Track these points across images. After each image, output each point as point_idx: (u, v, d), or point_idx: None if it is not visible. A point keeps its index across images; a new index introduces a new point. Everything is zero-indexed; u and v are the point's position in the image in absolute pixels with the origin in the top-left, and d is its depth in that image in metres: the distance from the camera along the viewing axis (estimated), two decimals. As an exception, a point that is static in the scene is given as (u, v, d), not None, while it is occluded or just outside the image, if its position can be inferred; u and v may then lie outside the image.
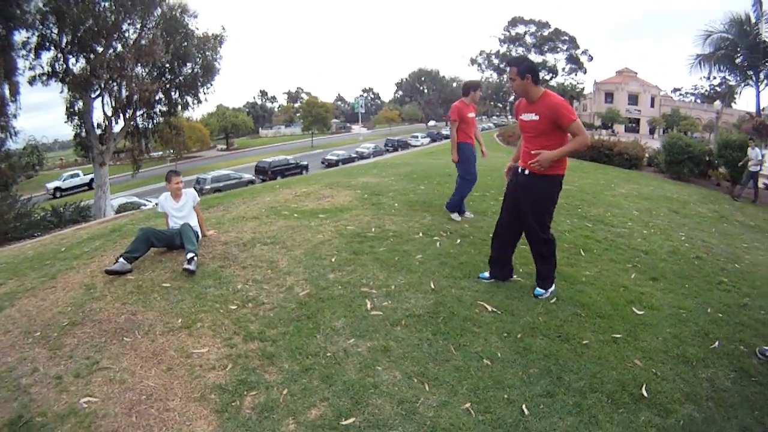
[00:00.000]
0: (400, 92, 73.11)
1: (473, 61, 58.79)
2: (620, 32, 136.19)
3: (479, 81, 5.56)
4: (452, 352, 2.51)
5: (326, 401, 2.15)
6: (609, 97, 53.46)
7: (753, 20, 15.16)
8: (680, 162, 11.87)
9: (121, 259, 3.62)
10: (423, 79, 68.30)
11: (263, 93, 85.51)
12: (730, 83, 16.38)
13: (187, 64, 15.99)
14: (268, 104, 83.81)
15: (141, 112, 16.51)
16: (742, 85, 16.30)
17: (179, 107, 17.22)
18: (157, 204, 4.35)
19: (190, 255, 3.64)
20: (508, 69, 3.08)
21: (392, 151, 34.93)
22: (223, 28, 16.89)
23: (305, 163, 26.58)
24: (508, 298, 3.09)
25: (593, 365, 2.39)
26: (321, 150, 41.69)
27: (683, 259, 4.24)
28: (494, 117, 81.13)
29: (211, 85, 17.14)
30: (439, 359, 2.45)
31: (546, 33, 51.96)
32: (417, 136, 43.41)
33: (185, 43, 15.29)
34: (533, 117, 2.91)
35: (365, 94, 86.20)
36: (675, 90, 63.38)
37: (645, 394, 2.21)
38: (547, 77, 56.57)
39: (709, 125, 44.30)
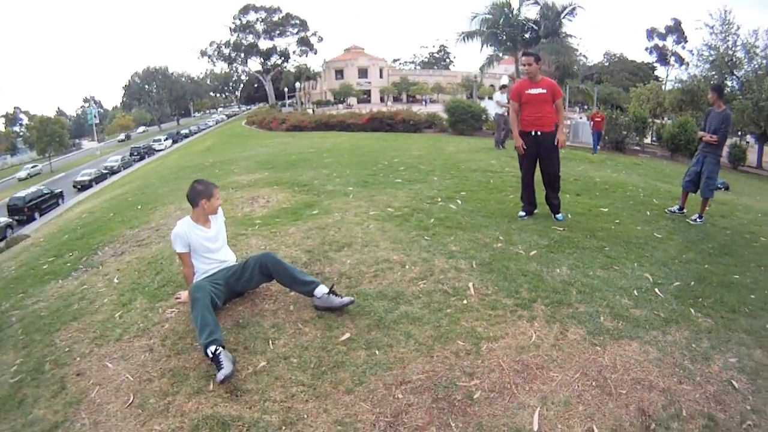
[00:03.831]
0: (127, 96, 63.87)
1: (203, 54, 55.88)
2: (348, 11, 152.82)
3: None
4: (602, 250, 3.76)
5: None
6: (339, 73, 60.40)
7: (517, 6, 22.77)
8: (463, 120, 15.82)
9: (220, 351, 2.27)
10: (151, 79, 61.23)
11: (-30, 122, 61.03)
12: (491, 54, 24.59)
13: None
14: (-19, 134, 61.52)
15: None
16: (502, 54, 24.70)
17: None
18: (174, 242, 2.82)
19: (323, 289, 2.74)
20: (524, 57, 4.40)
21: (139, 160, 32.98)
22: None
23: (59, 190, 24.01)
24: (553, 221, 4.48)
25: (634, 230, 4.28)
26: (63, 173, 35.92)
27: (569, 181, 6.65)
28: (221, 108, 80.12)
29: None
30: (603, 255, 3.68)
31: (276, 18, 53.82)
32: (160, 140, 42.25)
33: None
34: (542, 90, 4.29)
35: (86, 104, 72.07)
36: (395, 60, 74.42)
37: (660, 236, 4.26)
38: (279, 61, 58.81)
39: (436, 87, 56.71)
